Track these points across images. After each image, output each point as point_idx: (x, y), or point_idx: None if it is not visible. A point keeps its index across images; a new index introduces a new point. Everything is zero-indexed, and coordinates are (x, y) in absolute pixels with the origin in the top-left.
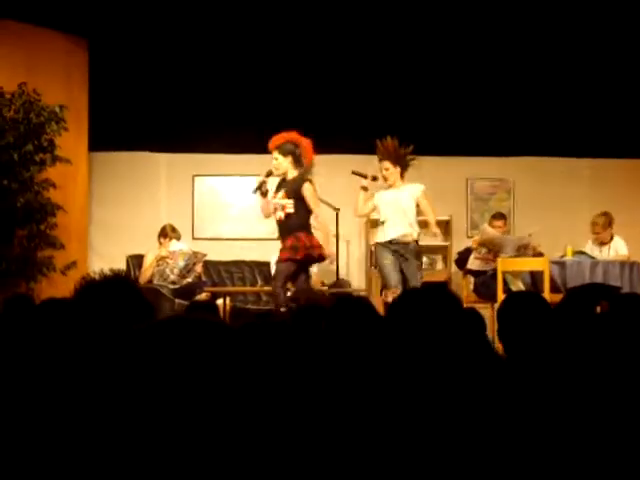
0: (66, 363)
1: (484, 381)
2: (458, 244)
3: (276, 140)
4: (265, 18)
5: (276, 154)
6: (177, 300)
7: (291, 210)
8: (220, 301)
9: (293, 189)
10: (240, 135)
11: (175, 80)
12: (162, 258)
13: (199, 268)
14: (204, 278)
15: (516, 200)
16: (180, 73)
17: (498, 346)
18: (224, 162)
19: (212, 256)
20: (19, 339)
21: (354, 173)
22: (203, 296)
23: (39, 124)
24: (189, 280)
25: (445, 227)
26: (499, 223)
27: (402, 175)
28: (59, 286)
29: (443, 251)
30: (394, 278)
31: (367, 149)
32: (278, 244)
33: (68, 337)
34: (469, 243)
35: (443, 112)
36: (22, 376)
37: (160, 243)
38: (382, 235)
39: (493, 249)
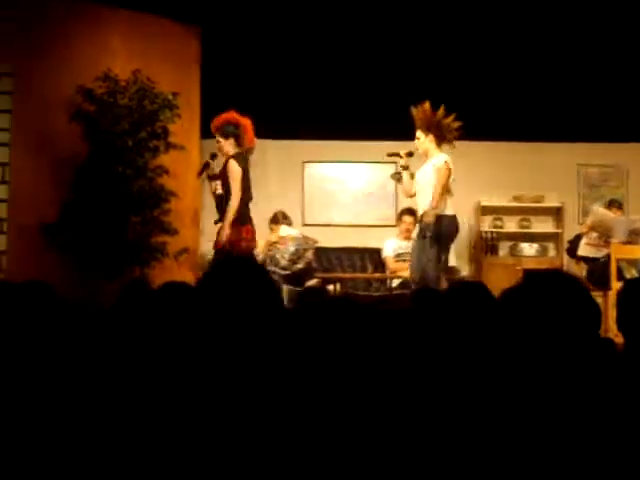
0: (198, 344)
1: (603, 372)
2: (569, 231)
3: (216, 122)
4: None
5: (217, 137)
6: (286, 286)
7: (220, 191)
8: (331, 287)
9: (222, 168)
10: (349, 122)
11: (285, 67)
12: (273, 243)
13: (310, 255)
14: (315, 265)
15: (629, 187)
16: (290, 61)
17: (615, 334)
18: (334, 148)
19: (322, 242)
20: (142, 323)
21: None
22: (314, 282)
23: (153, 111)
24: (300, 266)
25: (556, 214)
26: (618, 213)
27: (439, 144)
28: (172, 271)
29: (555, 238)
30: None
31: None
32: (389, 230)
33: (197, 320)
34: (580, 230)
35: (554, 97)
36: (150, 357)
37: (271, 229)
38: None
39: (604, 233)
